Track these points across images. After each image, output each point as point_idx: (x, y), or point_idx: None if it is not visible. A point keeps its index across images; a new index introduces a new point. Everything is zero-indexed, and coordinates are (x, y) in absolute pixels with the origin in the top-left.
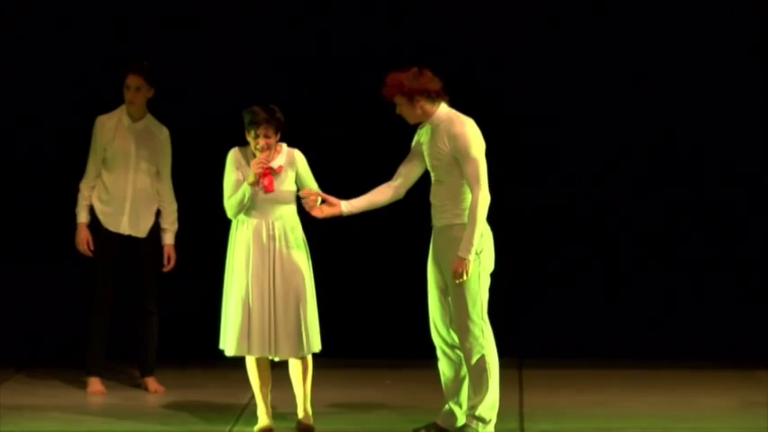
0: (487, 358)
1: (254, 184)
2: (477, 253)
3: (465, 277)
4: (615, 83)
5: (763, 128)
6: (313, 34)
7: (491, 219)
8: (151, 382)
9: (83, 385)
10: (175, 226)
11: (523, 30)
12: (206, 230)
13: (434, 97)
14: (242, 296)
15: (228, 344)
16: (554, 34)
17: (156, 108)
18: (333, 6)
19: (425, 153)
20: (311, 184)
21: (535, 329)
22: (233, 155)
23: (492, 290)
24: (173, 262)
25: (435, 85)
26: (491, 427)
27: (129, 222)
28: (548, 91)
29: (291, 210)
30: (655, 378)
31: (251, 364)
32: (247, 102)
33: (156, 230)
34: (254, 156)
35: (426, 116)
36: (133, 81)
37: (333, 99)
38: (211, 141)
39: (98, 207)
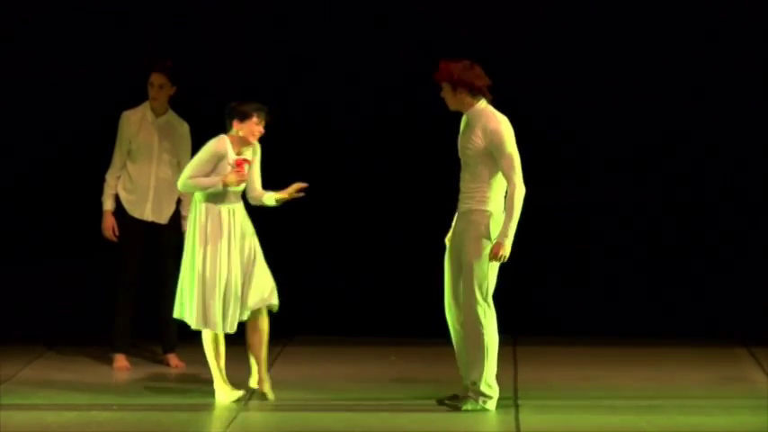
0: (486, 338)
1: (229, 186)
2: (490, 239)
3: (503, 259)
4: (615, 83)
5: (764, 128)
6: (313, 34)
7: None
8: (172, 358)
9: (109, 361)
10: None
11: (524, 30)
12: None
13: (475, 92)
14: (215, 276)
15: (208, 320)
16: (554, 34)
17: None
18: (333, 6)
19: (459, 141)
20: (257, 172)
21: (529, 308)
22: (220, 144)
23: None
24: None
25: (480, 81)
26: (493, 402)
27: (152, 209)
28: (548, 91)
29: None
30: (640, 355)
31: (212, 339)
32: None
33: (176, 217)
34: (246, 143)
35: (464, 107)
36: (157, 79)
37: (332, 99)
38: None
39: (123, 196)
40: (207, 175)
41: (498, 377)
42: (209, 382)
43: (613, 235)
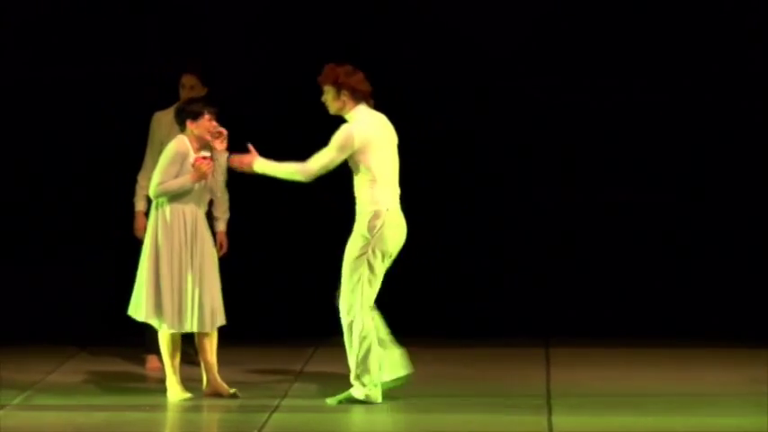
0: (355, 327)
1: (198, 181)
2: (367, 236)
3: (238, 167)
4: (615, 83)
5: (764, 127)
6: (313, 34)
7: (489, 212)
8: None
9: (142, 362)
10: (227, 214)
11: (523, 30)
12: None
13: (358, 97)
14: (177, 276)
15: (165, 318)
16: (554, 34)
17: (157, 107)
18: (332, 6)
19: None
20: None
21: (561, 311)
22: (180, 143)
23: (523, 275)
24: (225, 248)
25: (363, 86)
26: (367, 390)
27: None
28: (548, 90)
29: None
30: (668, 355)
31: (169, 339)
32: (247, 102)
33: (208, 218)
34: (203, 141)
35: (344, 111)
36: (188, 80)
37: None
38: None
39: None
40: (175, 176)
41: (531, 379)
42: (242, 382)
43: (638, 236)
